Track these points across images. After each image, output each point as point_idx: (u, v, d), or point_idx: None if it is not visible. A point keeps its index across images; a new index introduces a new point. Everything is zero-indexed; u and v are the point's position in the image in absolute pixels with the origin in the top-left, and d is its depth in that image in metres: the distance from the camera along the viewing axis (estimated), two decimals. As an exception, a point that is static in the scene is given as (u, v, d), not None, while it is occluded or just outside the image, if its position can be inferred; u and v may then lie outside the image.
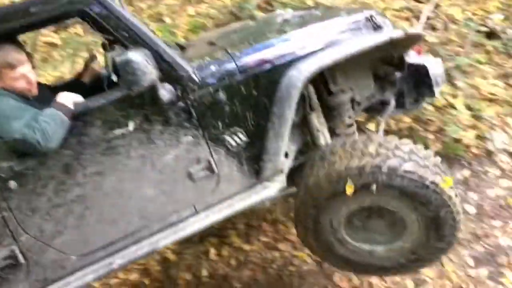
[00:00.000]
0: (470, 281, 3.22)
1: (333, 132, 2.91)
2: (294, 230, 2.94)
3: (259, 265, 3.39)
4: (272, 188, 2.61)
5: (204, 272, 3.40)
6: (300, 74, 2.42)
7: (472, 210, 3.61)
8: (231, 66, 2.42)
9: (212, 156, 2.46)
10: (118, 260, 2.38)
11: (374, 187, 2.42)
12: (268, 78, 2.45)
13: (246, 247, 3.52)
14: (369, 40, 2.56)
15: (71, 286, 2.31)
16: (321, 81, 2.80)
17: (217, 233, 3.58)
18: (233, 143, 2.49)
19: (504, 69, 4.44)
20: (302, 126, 2.84)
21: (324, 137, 2.82)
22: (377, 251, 2.71)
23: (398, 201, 2.47)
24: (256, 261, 3.42)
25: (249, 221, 3.63)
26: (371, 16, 2.69)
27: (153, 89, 2.22)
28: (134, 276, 3.44)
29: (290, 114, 2.44)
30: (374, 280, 3.23)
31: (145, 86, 2.16)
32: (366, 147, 2.49)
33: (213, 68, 2.40)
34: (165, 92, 2.27)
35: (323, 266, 3.30)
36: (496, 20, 4.75)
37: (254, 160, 2.54)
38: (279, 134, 2.47)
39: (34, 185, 2.18)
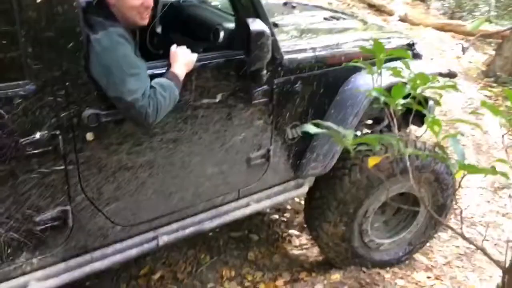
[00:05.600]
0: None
1: None
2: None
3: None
4: (305, 187, 2.63)
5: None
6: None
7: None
8: (312, 58, 2.37)
9: (271, 145, 2.38)
10: (164, 237, 2.15)
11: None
12: (334, 77, 2.46)
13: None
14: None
15: (112, 259, 2.02)
16: None
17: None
18: (290, 136, 2.44)
19: None
20: None
21: None
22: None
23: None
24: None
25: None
26: (413, 43, 2.87)
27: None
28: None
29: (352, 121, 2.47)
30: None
31: (263, 64, 2.01)
32: None
33: (298, 57, 2.32)
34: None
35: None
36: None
37: (299, 156, 2.52)
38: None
39: (110, 141, 1.85)
